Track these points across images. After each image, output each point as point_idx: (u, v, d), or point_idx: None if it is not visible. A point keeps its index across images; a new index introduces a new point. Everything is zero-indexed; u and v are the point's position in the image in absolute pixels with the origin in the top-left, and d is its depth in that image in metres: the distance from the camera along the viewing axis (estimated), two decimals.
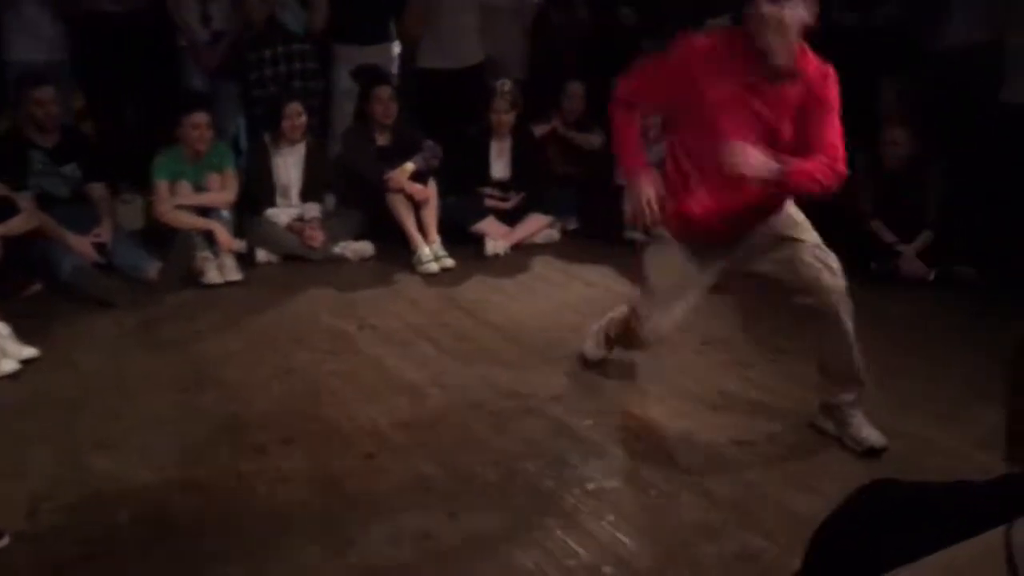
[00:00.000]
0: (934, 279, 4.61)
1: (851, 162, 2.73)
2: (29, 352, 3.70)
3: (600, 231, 5.27)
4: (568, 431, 3.18)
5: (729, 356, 3.78)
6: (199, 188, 4.82)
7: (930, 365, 3.68)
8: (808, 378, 3.21)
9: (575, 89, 5.51)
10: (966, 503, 1.01)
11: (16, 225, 4.29)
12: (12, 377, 3.57)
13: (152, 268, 4.55)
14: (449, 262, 4.85)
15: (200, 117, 4.73)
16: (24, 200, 4.39)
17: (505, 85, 5.26)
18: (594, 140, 5.54)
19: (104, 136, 5.28)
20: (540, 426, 3.21)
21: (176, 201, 4.71)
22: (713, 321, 4.00)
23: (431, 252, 4.85)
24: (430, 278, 4.72)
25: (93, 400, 3.38)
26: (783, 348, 3.77)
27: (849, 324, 2.93)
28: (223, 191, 4.85)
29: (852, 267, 4.60)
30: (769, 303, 4.24)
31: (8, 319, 3.77)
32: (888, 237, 4.70)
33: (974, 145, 4.71)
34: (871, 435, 2.99)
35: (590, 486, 2.84)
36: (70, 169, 4.65)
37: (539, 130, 5.51)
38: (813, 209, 3.03)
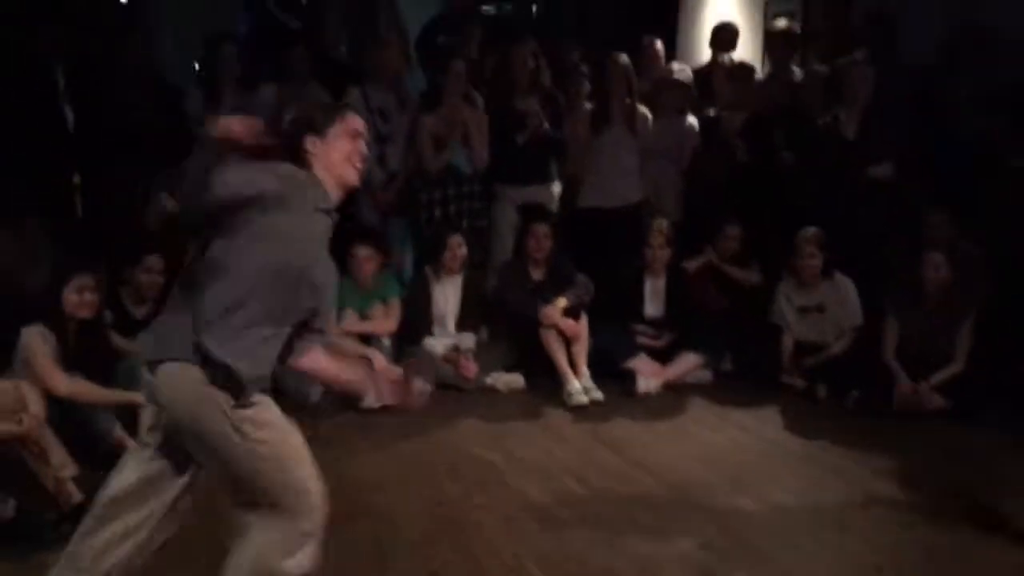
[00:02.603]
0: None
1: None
2: None
3: (756, 373, 5.15)
4: None
5: (897, 516, 3.55)
6: (364, 316, 5.05)
7: None
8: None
9: (732, 231, 5.50)
10: None
11: None
12: None
13: (315, 392, 4.75)
14: (598, 395, 4.84)
15: (363, 251, 5.00)
16: None
17: (661, 224, 5.33)
18: (752, 276, 5.49)
19: None
20: (687, 575, 3.08)
21: (341, 328, 4.94)
22: (878, 476, 3.80)
23: (580, 386, 4.86)
24: (579, 414, 4.71)
25: None
26: (958, 511, 3.52)
27: None
28: (386, 320, 5.07)
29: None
30: (942, 462, 4.02)
31: None
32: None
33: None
34: None
35: None
36: None
37: (693, 264, 5.51)
38: None
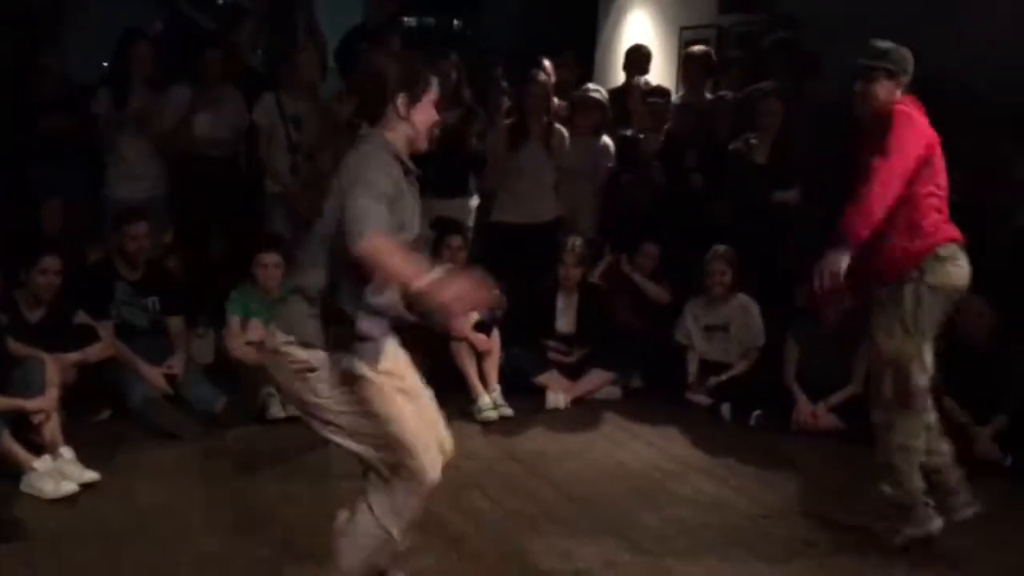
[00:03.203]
0: (1010, 464, 4.35)
1: None
2: (90, 476, 3.76)
3: (664, 390, 5.23)
4: None
5: (797, 533, 3.63)
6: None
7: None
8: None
9: (650, 250, 5.55)
10: None
11: (95, 352, 4.44)
12: (69, 500, 3.61)
13: (219, 402, 4.64)
14: (508, 411, 4.85)
15: (271, 258, 4.87)
16: (104, 328, 4.56)
17: (575, 242, 5.37)
18: (662, 294, 5.57)
19: (188, 270, 5.49)
20: None
21: (246, 337, 4.82)
22: (778, 494, 3.88)
23: (490, 400, 4.86)
24: (488, 427, 4.71)
25: (145, 533, 3.39)
26: (853, 527, 3.62)
27: None
28: None
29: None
30: (839, 480, 4.14)
31: (74, 442, 3.85)
32: (962, 417, 4.51)
33: None
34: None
35: None
36: (151, 302, 4.82)
37: (598, 271, 5.56)
38: None
